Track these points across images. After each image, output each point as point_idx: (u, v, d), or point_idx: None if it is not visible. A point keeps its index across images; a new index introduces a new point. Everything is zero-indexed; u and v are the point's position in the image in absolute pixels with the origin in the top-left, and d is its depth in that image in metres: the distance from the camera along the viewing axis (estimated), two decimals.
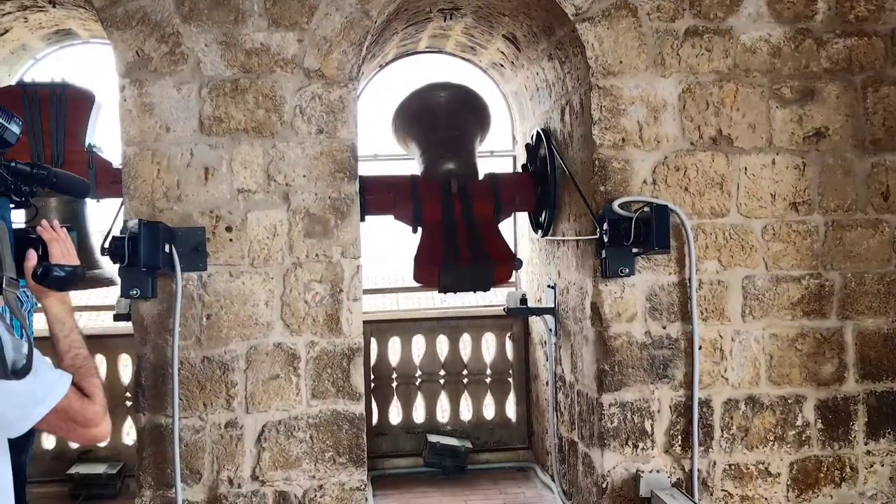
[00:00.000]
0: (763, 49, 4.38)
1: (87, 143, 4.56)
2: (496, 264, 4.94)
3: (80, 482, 5.19)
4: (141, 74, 4.00)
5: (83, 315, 6.12)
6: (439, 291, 5.07)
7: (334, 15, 4.13)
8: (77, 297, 5.42)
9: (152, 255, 3.69)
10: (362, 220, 4.72)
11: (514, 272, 5.83)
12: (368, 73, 5.75)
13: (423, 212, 4.87)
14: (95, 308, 5.77)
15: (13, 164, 1.80)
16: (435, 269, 4.87)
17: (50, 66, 5.80)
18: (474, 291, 5.24)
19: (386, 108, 5.50)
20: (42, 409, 1.67)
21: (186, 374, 4.00)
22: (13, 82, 5.63)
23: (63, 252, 1.87)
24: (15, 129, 1.76)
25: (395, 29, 5.08)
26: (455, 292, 5.15)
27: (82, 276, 1.94)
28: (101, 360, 5.59)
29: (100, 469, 5.24)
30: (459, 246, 4.82)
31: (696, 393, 4.25)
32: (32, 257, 1.82)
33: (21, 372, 1.63)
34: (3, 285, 1.70)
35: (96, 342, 5.53)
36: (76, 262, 1.90)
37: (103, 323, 5.34)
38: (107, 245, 3.73)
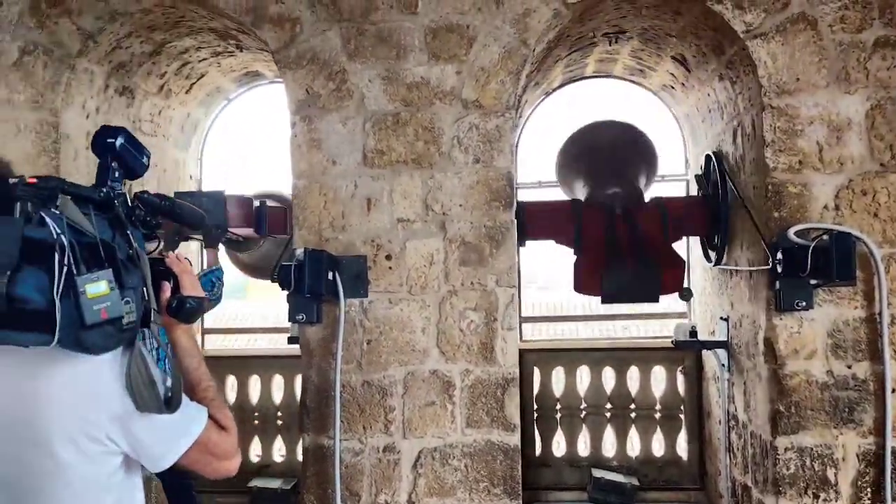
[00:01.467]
0: None
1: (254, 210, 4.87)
2: (662, 268, 4.62)
3: (258, 495, 5.49)
4: (310, 111, 4.23)
5: (262, 337, 6.52)
6: (602, 300, 4.75)
7: (492, 46, 4.17)
8: (255, 318, 5.82)
9: (316, 282, 3.88)
10: (522, 244, 4.70)
11: (686, 301, 5.59)
12: (533, 101, 5.75)
13: (584, 231, 4.69)
14: (272, 330, 6.12)
15: (145, 196, 1.83)
16: (597, 274, 4.63)
17: (241, 105, 6.31)
18: (641, 301, 4.87)
19: (552, 134, 5.45)
20: (186, 442, 1.67)
21: (347, 398, 4.14)
22: (210, 121, 6.19)
23: (192, 283, 1.89)
24: (145, 161, 1.82)
25: (559, 55, 5.04)
26: (619, 301, 4.86)
27: (208, 307, 1.98)
28: (279, 380, 5.92)
29: (275, 484, 5.52)
30: (624, 255, 4.58)
31: (890, 441, 3.82)
32: (167, 289, 1.85)
33: (171, 405, 1.63)
34: (151, 319, 1.70)
35: (275, 363, 5.91)
36: (202, 293, 1.92)
37: (278, 345, 5.63)
38: (275, 273, 3.97)
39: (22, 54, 4.27)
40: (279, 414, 5.86)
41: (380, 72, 4.21)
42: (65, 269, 1.43)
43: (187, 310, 1.83)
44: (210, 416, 1.74)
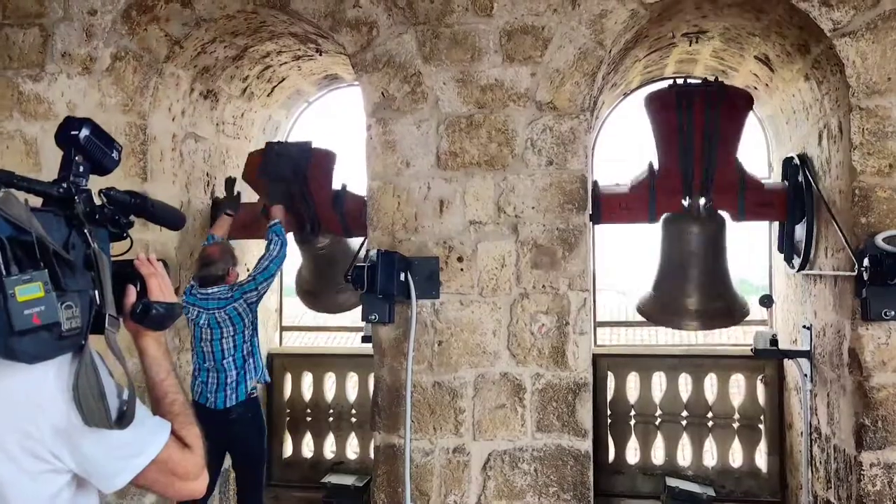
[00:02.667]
0: None
1: (333, 191, 5.00)
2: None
3: (332, 491, 5.57)
4: (385, 114, 4.28)
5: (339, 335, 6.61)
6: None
7: (567, 47, 4.13)
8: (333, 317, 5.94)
9: (388, 282, 3.93)
10: (596, 223, 4.65)
11: (766, 308, 5.41)
12: (611, 102, 5.68)
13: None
14: (349, 329, 6.21)
15: (112, 193, 1.69)
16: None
17: (320, 108, 6.43)
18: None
19: (631, 136, 5.36)
20: (143, 461, 1.52)
21: (418, 398, 4.17)
22: (290, 123, 6.34)
23: (161, 287, 1.71)
24: (115, 156, 1.70)
25: (637, 56, 4.96)
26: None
27: (179, 313, 1.80)
28: (354, 378, 6.01)
29: (349, 480, 5.59)
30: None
31: None
32: (131, 293, 1.67)
33: (123, 420, 1.48)
34: (105, 325, 1.52)
35: (350, 361, 6.00)
36: (174, 298, 1.74)
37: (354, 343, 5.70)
38: (350, 273, 4.04)
39: (114, 60, 4.46)
40: (353, 411, 5.94)
41: (454, 74, 4.23)
42: None
43: (153, 316, 1.66)
44: (173, 433, 1.59)
